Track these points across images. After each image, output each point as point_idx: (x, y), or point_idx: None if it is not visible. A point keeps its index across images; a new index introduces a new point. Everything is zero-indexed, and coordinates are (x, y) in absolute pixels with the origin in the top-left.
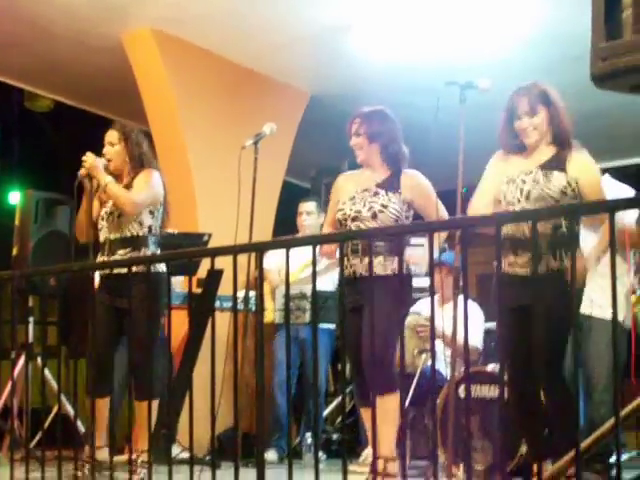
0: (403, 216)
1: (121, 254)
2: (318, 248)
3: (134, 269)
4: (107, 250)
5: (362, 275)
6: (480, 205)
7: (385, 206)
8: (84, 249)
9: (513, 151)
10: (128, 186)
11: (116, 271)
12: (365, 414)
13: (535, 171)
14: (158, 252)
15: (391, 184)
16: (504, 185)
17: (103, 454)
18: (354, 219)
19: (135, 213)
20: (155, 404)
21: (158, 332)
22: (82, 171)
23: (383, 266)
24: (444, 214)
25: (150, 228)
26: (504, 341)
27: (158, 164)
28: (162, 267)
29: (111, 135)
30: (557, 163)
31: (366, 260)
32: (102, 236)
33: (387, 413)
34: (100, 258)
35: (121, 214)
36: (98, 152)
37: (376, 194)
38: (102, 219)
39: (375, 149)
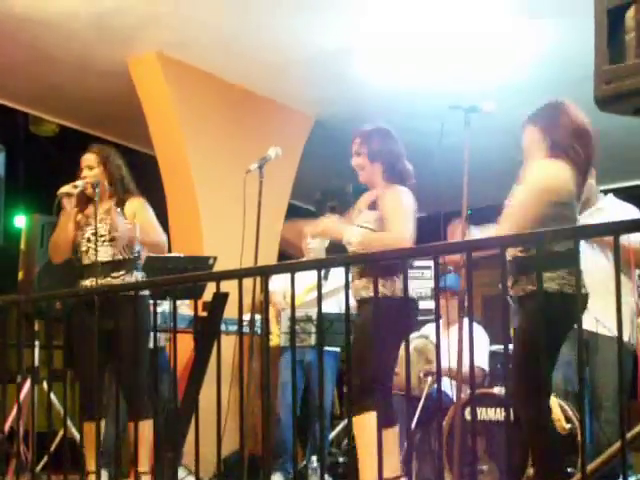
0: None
1: (114, 276)
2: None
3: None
4: (100, 272)
5: (357, 298)
6: None
7: (360, 226)
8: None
9: None
10: (109, 211)
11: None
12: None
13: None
14: (141, 276)
15: (375, 202)
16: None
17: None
18: (348, 243)
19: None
20: (148, 424)
21: (146, 353)
22: (64, 189)
23: (383, 287)
24: (403, 234)
25: (139, 253)
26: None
27: (134, 185)
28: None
29: (88, 159)
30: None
31: (362, 283)
32: (88, 259)
33: (364, 431)
34: (88, 281)
35: (114, 238)
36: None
37: (360, 212)
38: (88, 241)
39: (377, 168)
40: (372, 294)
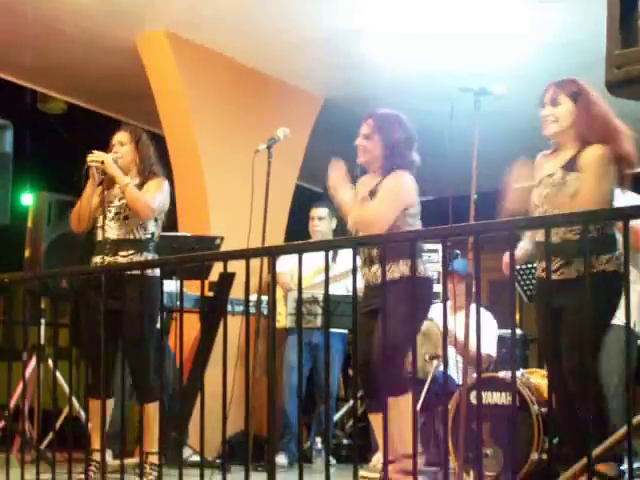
0: None
1: (123, 255)
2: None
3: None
4: (108, 250)
5: (371, 284)
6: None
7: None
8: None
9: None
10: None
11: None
12: (375, 419)
13: (557, 173)
14: (152, 257)
15: (376, 188)
16: (536, 188)
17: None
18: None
19: (149, 218)
20: (155, 406)
21: (153, 335)
22: (94, 161)
23: (390, 271)
24: (379, 208)
25: (153, 234)
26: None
27: (160, 169)
28: (156, 271)
29: (122, 135)
30: (573, 163)
31: (373, 268)
32: (102, 235)
33: (401, 414)
34: (98, 257)
35: (128, 216)
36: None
37: (364, 200)
38: (106, 218)
39: (382, 154)
40: (397, 275)
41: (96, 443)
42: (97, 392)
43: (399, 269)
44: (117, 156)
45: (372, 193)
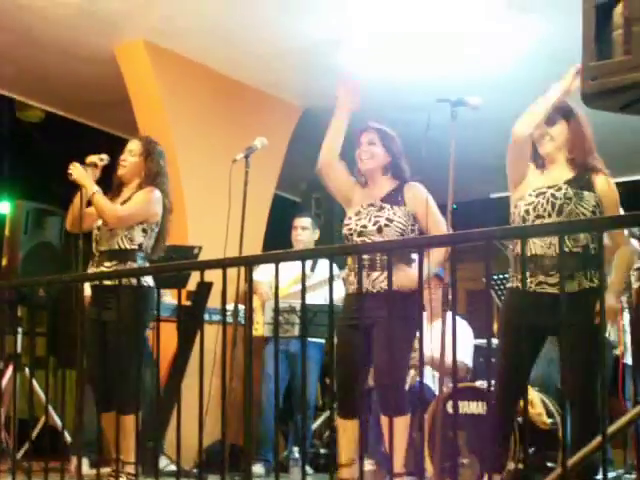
0: (409, 229)
1: (107, 266)
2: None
3: (121, 281)
4: (96, 262)
5: (368, 291)
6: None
7: (390, 220)
8: (71, 261)
9: (535, 164)
10: (129, 199)
11: (104, 283)
12: (344, 426)
13: (564, 187)
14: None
15: (395, 198)
16: (531, 197)
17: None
18: (360, 234)
19: (118, 227)
20: (132, 418)
21: (142, 346)
22: (90, 158)
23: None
24: (442, 228)
25: (140, 245)
26: (510, 358)
27: (168, 185)
28: (149, 281)
29: (134, 144)
30: (584, 183)
31: (373, 275)
32: (94, 247)
33: (397, 434)
34: (90, 269)
35: (113, 227)
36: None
37: (382, 208)
38: (98, 229)
39: (386, 163)
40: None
41: (130, 456)
42: (107, 406)
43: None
44: (108, 158)
45: (384, 200)
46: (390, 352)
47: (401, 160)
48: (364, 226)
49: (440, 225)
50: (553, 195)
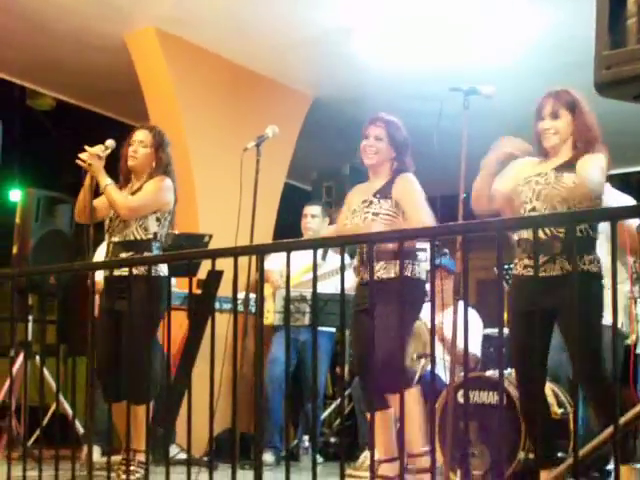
0: (400, 219)
1: (123, 257)
2: None
3: (135, 272)
4: (110, 253)
5: (368, 281)
6: (500, 186)
7: (376, 214)
8: (82, 248)
9: (537, 154)
10: (140, 189)
11: (117, 273)
12: (377, 417)
13: (549, 173)
14: None
15: (387, 190)
16: (520, 185)
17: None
18: None
19: (131, 218)
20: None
21: (155, 336)
22: (94, 149)
23: (386, 270)
24: (424, 219)
25: (155, 235)
26: (517, 343)
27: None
28: (164, 270)
29: (144, 135)
30: (570, 165)
31: (380, 265)
32: (108, 238)
33: (408, 411)
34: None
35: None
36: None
37: (371, 204)
38: (110, 220)
39: (391, 156)
40: (392, 275)
41: (141, 445)
42: (116, 396)
43: (395, 268)
44: (114, 144)
45: (376, 194)
46: (380, 335)
47: (406, 155)
48: (356, 224)
49: (419, 213)
50: (537, 182)
